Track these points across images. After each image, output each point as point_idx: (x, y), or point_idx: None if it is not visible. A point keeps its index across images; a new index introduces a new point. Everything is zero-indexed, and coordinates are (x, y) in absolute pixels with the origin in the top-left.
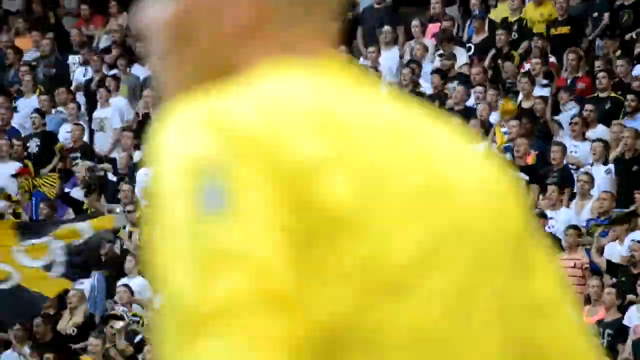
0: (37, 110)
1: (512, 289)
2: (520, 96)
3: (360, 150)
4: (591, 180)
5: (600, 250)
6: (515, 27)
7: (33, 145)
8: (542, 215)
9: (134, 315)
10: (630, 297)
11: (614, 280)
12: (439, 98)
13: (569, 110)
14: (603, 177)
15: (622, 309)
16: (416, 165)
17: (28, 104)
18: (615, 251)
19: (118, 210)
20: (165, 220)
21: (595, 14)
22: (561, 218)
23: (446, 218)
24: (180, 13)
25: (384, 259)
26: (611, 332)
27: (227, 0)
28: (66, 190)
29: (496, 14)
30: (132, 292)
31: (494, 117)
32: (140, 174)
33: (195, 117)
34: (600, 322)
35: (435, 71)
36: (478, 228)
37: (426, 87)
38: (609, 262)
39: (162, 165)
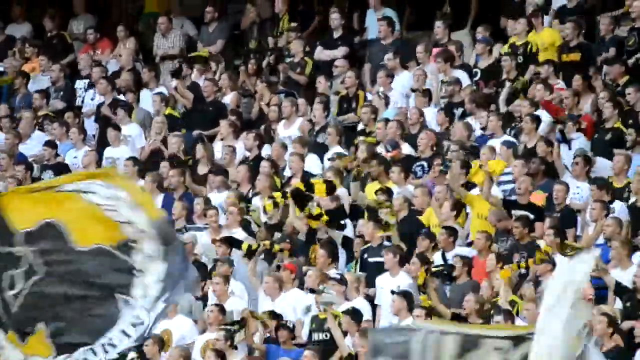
0: (48, 143)
1: None
2: (524, 136)
3: None
4: None
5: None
6: (521, 51)
7: (47, 177)
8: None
9: None
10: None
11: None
12: (447, 135)
13: (575, 140)
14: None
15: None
16: None
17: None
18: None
19: None
20: None
21: (602, 55)
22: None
23: None
24: None
25: None
26: None
27: None
28: None
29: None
30: None
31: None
32: None
33: None
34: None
35: (441, 107)
36: None
37: (431, 118)
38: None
39: None
